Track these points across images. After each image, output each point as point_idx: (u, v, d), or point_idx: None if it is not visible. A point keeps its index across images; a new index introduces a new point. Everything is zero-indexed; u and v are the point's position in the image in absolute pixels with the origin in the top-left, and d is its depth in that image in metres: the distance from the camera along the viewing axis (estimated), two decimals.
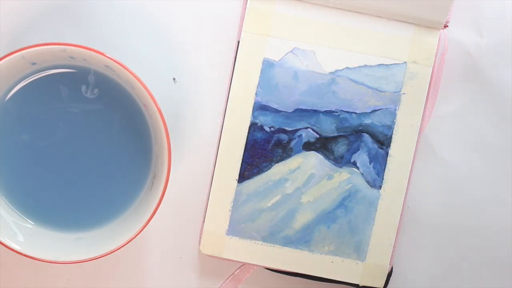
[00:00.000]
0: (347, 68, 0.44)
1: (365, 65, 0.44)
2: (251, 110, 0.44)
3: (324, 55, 0.44)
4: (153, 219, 0.40)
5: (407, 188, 0.44)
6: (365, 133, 0.44)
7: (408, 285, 0.46)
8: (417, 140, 0.44)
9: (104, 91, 0.41)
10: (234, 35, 0.45)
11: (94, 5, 0.44)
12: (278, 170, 0.44)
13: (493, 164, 0.46)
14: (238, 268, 0.46)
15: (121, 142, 0.42)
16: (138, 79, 0.38)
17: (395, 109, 0.44)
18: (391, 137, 0.44)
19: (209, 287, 0.46)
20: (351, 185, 0.44)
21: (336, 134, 0.44)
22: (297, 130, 0.44)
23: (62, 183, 0.42)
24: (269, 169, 0.44)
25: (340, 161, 0.44)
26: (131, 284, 0.46)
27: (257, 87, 0.44)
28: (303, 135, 0.44)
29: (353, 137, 0.44)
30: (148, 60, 0.45)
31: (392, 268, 0.45)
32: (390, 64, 0.44)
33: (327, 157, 0.44)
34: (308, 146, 0.44)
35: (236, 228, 0.44)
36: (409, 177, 0.44)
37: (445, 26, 0.44)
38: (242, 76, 0.44)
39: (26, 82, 0.41)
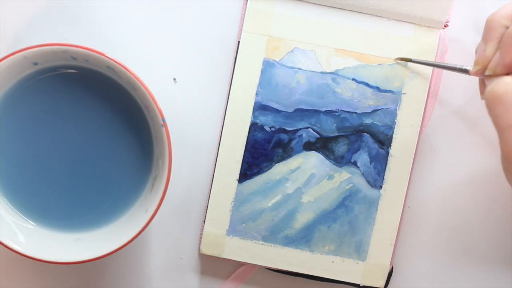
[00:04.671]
0: (347, 67, 0.44)
1: (366, 65, 0.44)
2: (251, 110, 0.44)
3: (324, 55, 0.44)
4: (153, 219, 0.40)
5: (408, 188, 0.45)
6: (365, 133, 0.44)
7: (408, 285, 0.46)
8: (418, 140, 0.44)
9: (105, 92, 0.41)
10: (234, 35, 0.45)
11: (94, 5, 0.44)
12: (278, 170, 0.44)
13: (493, 163, 0.46)
14: (238, 268, 0.46)
15: (122, 143, 0.42)
16: (139, 80, 0.38)
17: (396, 109, 0.44)
18: (391, 137, 0.44)
19: (209, 287, 0.46)
20: (351, 185, 0.44)
21: (336, 134, 0.44)
22: (297, 130, 0.44)
23: (63, 183, 0.42)
24: (269, 169, 0.44)
25: (341, 161, 0.44)
26: (132, 284, 0.46)
27: (257, 87, 0.44)
28: (304, 135, 0.44)
29: (354, 137, 0.44)
30: (148, 60, 0.45)
31: (392, 268, 0.45)
32: (391, 64, 0.44)
33: (327, 157, 0.44)
34: (308, 146, 0.44)
35: (236, 228, 0.44)
36: (410, 177, 0.44)
37: (445, 26, 0.44)
38: (242, 76, 0.44)
39: (27, 82, 0.41)
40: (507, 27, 0.37)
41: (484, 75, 0.38)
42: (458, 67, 0.41)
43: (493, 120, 0.35)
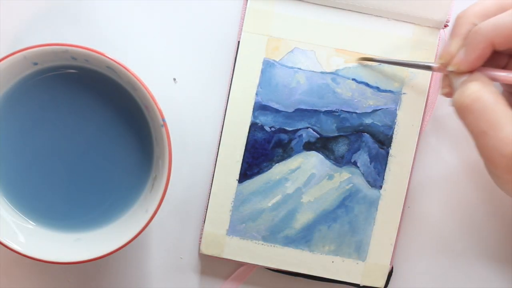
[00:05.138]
0: (347, 67, 0.44)
1: (366, 65, 0.44)
2: (251, 110, 0.44)
3: (324, 55, 0.44)
4: (153, 219, 0.40)
5: (408, 188, 0.45)
6: (365, 133, 0.44)
7: (408, 285, 0.46)
8: (418, 140, 0.44)
9: (105, 92, 0.41)
10: (234, 35, 0.45)
11: (94, 5, 0.44)
12: (278, 170, 0.44)
13: None
14: (238, 268, 0.46)
15: (122, 143, 0.42)
16: (139, 80, 0.38)
17: (396, 109, 0.44)
18: (391, 137, 0.44)
19: (209, 287, 0.46)
20: (351, 185, 0.44)
21: (336, 134, 0.44)
22: (297, 130, 0.44)
23: (63, 183, 0.42)
24: (269, 169, 0.44)
25: (341, 161, 0.44)
26: (132, 284, 0.46)
27: (257, 87, 0.44)
28: (304, 135, 0.44)
29: (354, 137, 0.44)
30: (148, 60, 0.45)
31: (392, 267, 0.45)
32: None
33: (327, 157, 0.44)
34: (308, 146, 0.44)
35: (236, 228, 0.44)
36: (410, 177, 0.44)
37: (445, 26, 0.44)
38: (242, 76, 0.44)
39: (27, 82, 0.41)
40: (475, 25, 0.37)
41: (447, 70, 0.38)
42: (421, 64, 0.41)
43: (466, 128, 0.36)
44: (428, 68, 0.40)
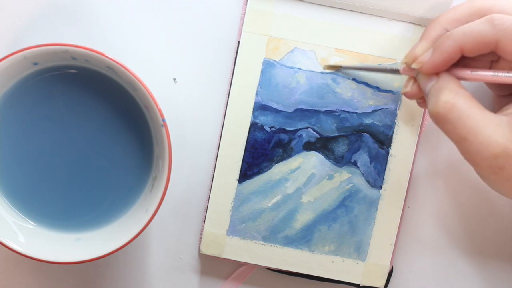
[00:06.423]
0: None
1: (366, 65, 0.44)
2: (251, 110, 0.44)
3: (324, 55, 0.44)
4: (153, 219, 0.40)
5: (408, 188, 0.45)
6: (365, 133, 0.44)
7: (408, 285, 0.46)
8: (418, 140, 0.44)
9: (105, 92, 0.41)
10: (234, 35, 0.45)
11: (94, 5, 0.44)
12: (278, 170, 0.44)
13: None
14: (238, 268, 0.46)
15: (122, 143, 0.42)
16: (140, 80, 0.38)
17: (396, 109, 0.44)
18: (391, 137, 0.44)
19: (209, 287, 0.46)
20: (351, 185, 0.44)
21: (336, 134, 0.44)
22: (297, 130, 0.44)
23: (63, 183, 0.42)
24: (269, 169, 0.44)
25: (341, 161, 0.44)
26: (132, 284, 0.46)
27: (257, 87, 0.44)
28: (304, 135, 0.44)
29: (354, 137, 0.44)
30: (148, 60, 0.45)
31: (392, 268, 0.45)
32: (391, 64, 0.44)
33: (327, 157, 0.44)
34: (308, 146, 0.44)
35: (236, 228, 0.44)
36: (410, 177, 0.44)
37: None
38: (242, 76, 0.44)
39: (27, 82, 0.41)
40: (447, 31, 0.38)
41: (413, 70, 0.38)
42: (389, 68, 0.41)
43: (446, 134, 0.36)
44: (395, 71, 0.41)
